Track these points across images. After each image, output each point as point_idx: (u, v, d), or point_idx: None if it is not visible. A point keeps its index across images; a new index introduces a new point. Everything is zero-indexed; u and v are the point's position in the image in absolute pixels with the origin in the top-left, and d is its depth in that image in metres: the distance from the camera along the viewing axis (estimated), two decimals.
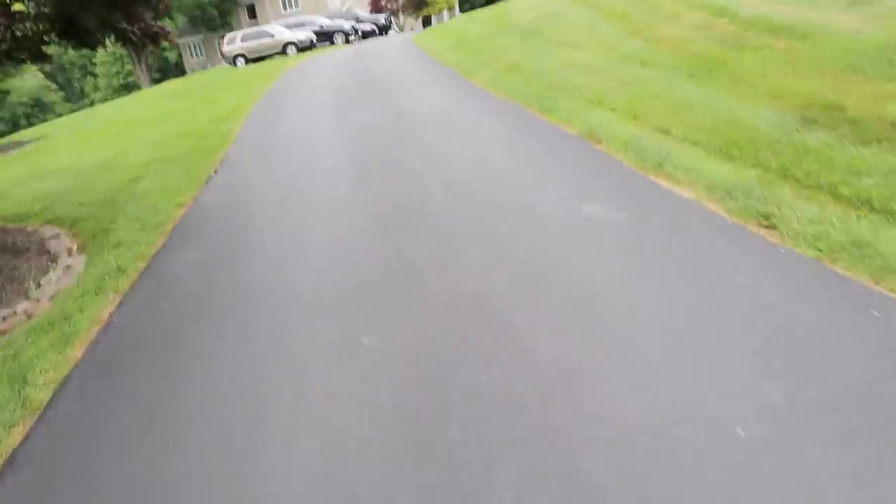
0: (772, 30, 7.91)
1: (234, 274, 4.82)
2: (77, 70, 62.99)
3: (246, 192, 6.94)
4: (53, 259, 6.30)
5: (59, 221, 7.39)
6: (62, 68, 62.26)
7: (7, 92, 32.43)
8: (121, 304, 4.77)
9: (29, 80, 51.72)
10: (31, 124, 45.25)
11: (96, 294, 5.00)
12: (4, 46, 7.03)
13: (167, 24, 44.52)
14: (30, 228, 7.45)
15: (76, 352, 4.24)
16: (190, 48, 52.49)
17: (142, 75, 46.14)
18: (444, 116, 8.49)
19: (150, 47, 7.21)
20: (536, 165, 5.91)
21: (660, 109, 6.50)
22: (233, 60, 26.16)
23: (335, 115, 10.13)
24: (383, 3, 40.39)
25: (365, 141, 8.02)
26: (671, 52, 8.32)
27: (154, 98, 20.79)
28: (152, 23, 6.83)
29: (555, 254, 4.07)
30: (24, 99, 54.33)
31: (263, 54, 25.81)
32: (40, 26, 6.96)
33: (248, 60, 25.81)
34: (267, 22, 41.42)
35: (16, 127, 47.35)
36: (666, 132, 5.98)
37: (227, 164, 8.20)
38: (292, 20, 30.93)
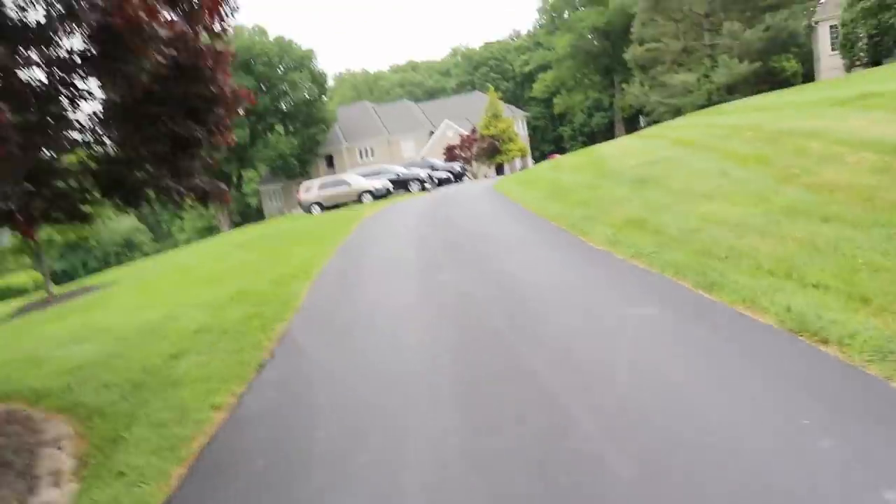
0: None
1: None
2: (166, 212, 67.36)
3: (305, 402, 4.97)
4: (32, 488, 4.57)
5: (75, 410, 5.95)
6: (153, 210, 66.68)
7: (86, 239, 34.05)
8: None
9: (123, 221, 55.22)
10: (120, 262, 47.49)
11: None
12: (38, 205, 5.90)
13: (250, 173, 46.97)
14: (37, 416, 6.02)
15: None
16: (269, 194, 55.17)
17: (223, 219, 48.33)
18: (565, 291, 6.47)
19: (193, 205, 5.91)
20: (743, 388, 3.73)
21: None
22: (308, 208, 26.09)
23: (421, 282, 8.33)
24: (457, 151, 41.34)
25: (464, 328, 6.01)
26: (860, 203, 6.34)
27: (224, 247, 20.43)
28: (206, 180, 5.52)
29: None
30: (117, 238, 57.84)
31: (339, 202, 25.62)
32: (81, 183, 5.80)
33: (323, 208, 25.65)
34: (344, 170, 42.96)
35: (107, 264, 49.77)
36: None
37: (286, 346, 6.45)
38: (368, 169, 31.42)
